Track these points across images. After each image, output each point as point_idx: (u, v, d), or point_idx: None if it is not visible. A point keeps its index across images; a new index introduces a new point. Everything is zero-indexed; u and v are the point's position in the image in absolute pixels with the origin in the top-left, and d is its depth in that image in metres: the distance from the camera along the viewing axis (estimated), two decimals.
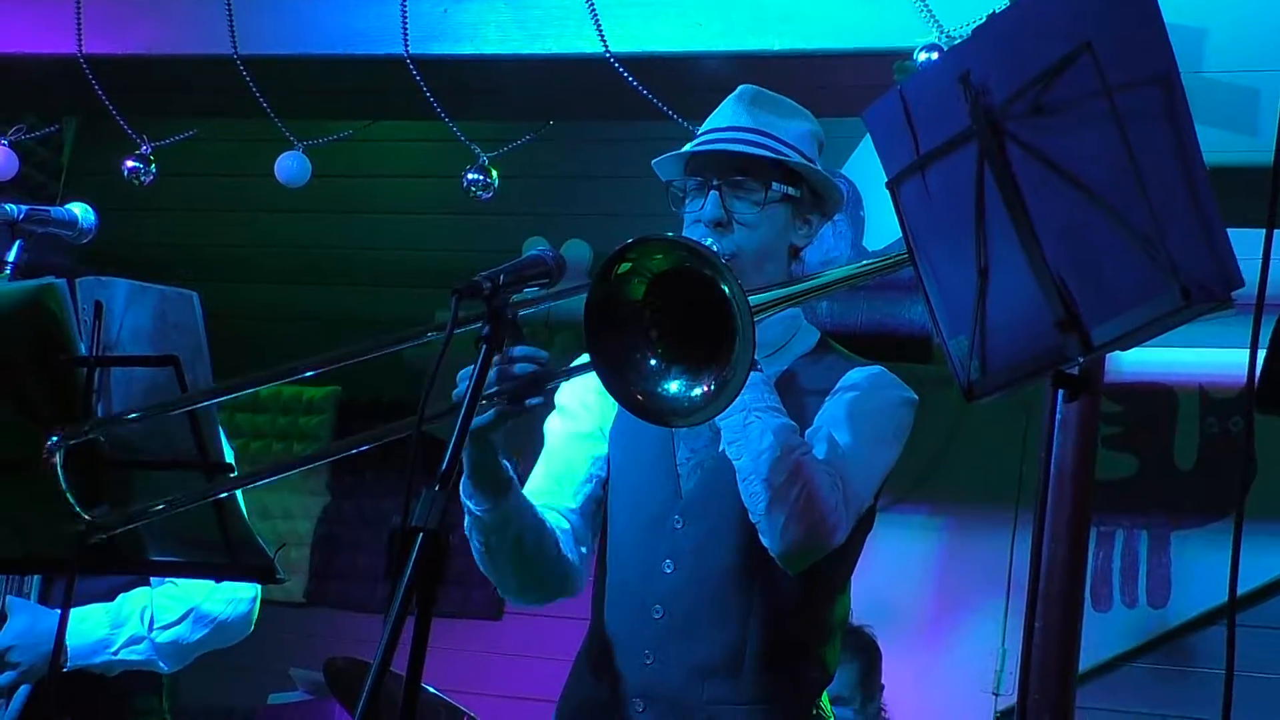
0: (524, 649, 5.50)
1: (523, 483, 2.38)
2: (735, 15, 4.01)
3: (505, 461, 2.23)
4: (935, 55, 3.57)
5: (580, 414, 2.50)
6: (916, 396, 2.41)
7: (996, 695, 5.05)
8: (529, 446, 2.50)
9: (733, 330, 2.00)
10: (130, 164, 4.85)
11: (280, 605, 5.45)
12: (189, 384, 2.22)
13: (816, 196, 2.44)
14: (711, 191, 2.36)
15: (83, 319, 2.31)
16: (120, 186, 4.90)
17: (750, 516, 2.22)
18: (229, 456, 2.41)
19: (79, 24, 4.55)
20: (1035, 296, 1.77)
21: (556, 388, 2.42)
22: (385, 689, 1.68)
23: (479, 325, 1.97)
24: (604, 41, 4.07)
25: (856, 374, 2.39)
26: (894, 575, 4.95)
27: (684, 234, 2.34)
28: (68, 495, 2.12)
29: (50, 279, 2.33)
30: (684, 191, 2.43)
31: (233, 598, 3.05)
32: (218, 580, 2.89)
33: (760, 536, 2.22)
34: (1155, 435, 5.05)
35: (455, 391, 2.07)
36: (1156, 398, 5.04)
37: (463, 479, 2.22)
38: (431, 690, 3.90)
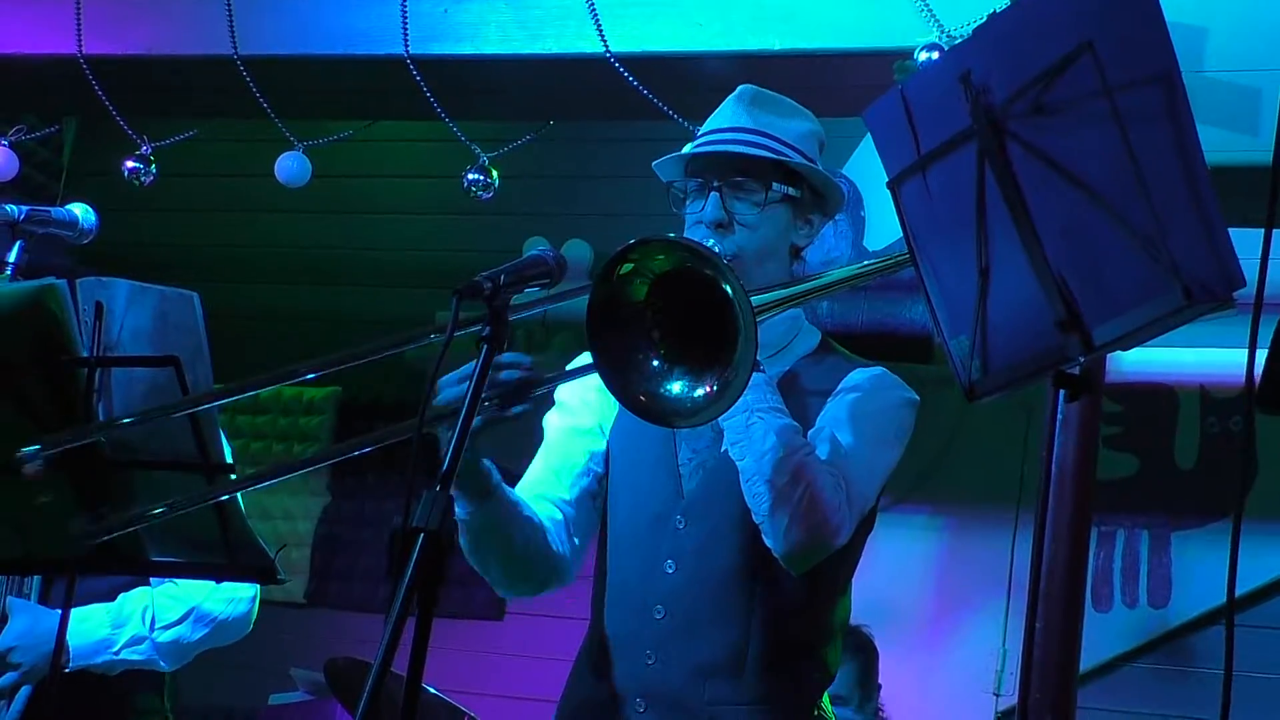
0: (524, 649, 5.49)
1: (519, 480, 2.38)
2: (735, 15, 4.01)
3: (490, 466, 2.23)
4: (936, 55, 3.57)
5: (580, 410, 2.51)
6: (918, 397, 2.41)
7: (997, 695, 5.04)
8: (528, 446, 2.51)
9: (735, 331, 2.00)
10: (130, 164, 4.86)
11: (281, 605, 5.45)
12: (189, 384, 2.22)
13: (817, 196, 2.44)
14: (712, 193, 2.36)
15: (83, 320, 2.31)
16: (120, 187, 4.90)
17: (754, 517, 2.22)
18: (228, 456, 2.41)
19: (79, 24, 4.55)
20: (1036, 296, 1.76)
21: (542, 395, 2.42)
22: (386, 689, 1.68)
23: (479, 327, 1.97)
24: (604, 41, 4.07)
25: (858, 375, 2.39)
26: (895, 575, 4.94)
27: (685, 235, 2.34)
28: (44, 504, 2.11)
29: (51, 280, 2.33)
30: (685, 193, 2.42)
31: (233, 597, 3.05)
32: (218, 581, 2.89)
33: (764, 537, 2.22)
34: (1156, 435, 5.04)
35: (437, 399, 2.07)
36: (1157, 398, 5.04)
37: None
38: (432, 690, 3.90)
